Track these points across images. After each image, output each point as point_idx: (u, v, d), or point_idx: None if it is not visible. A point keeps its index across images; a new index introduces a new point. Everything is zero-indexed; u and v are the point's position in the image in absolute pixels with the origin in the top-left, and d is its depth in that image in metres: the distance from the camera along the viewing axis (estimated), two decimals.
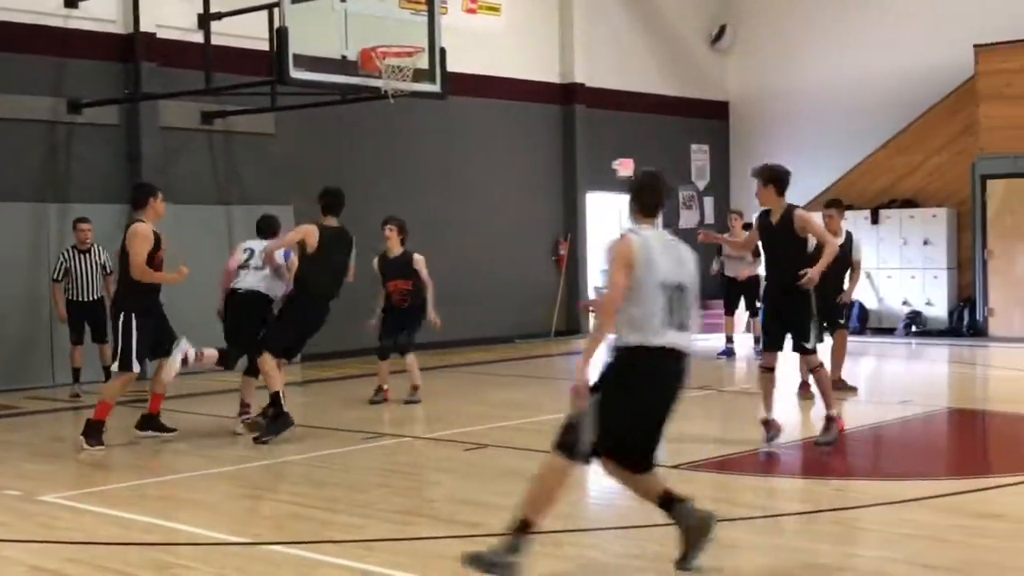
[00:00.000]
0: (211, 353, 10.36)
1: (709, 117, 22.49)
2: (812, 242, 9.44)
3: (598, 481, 8.40)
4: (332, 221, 10.41)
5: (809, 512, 7.11)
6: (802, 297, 9.10)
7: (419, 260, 12.00)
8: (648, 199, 5.86)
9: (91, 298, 12.85)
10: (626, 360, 5.62)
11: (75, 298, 12.82)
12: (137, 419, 10.21)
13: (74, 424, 11.65)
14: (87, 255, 12.83)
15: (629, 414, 5.57)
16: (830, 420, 9.07)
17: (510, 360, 16.41)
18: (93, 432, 9.62)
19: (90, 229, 12.88)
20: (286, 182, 16.15)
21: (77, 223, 12.92)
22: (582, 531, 6.79)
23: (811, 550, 6.26)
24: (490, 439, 9.67)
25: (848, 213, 19.77)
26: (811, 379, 11.03)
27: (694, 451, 8.94)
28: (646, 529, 6.60)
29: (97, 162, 14.53)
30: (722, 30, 22.35)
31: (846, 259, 12.10)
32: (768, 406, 9.29)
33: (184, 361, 10.02)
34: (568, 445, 5.51)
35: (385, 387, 12.06)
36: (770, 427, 9.23)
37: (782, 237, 9.14)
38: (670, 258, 5.69)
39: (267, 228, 10.92)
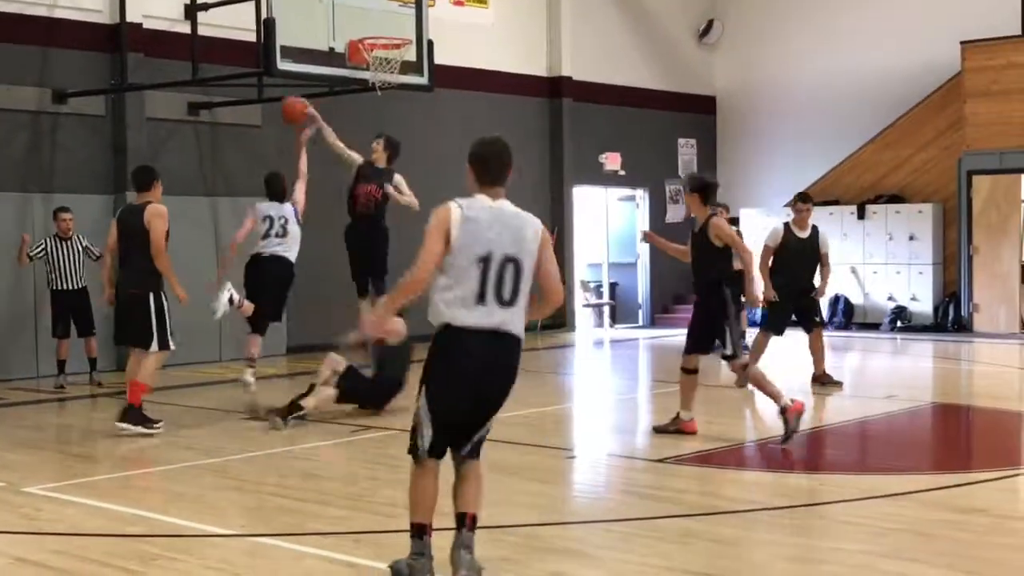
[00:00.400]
0: (248, 306, 11.19)
1: (696, 111, 22.50)
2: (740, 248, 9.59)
3: (582, 475, 8.43)
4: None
5: (794, 506, 7.13)
6: (720, 303, 9.33)
7: (400, 179, 11.77)
8: (481, 167, 5.41)
9: (74, 287, 12.86)
10: (435, 340, 5.38)
11: (59, 287, 12.83)
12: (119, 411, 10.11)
13: (58, 415, 11.61)
14: (68, 243, 12.86)
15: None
16: (784, 411, 9.11)
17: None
18: (137, 416, 9.66)
19: (71, 219, 12.90)
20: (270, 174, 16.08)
21: (58, 213, 12.94)
22: (567, 524, 6.79)
23: (796, 544, 6.28)
24: None
25: (834, 208, 19.97)
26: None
27: (678, 445, 8.95)
28: (634, 522, 6.61)
29: (83, 153, 14.47)
30: (710, 24, 22.37)
31: (815, 254, 12.34)
32: (687, 406, 9.48)
33: (230, 300, 10.70)
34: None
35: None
36: (686, 427, 9.44)
37: (702, 244, 9.42)
38: (501, 230, 5.29)
39: (278, 185, 11.71)
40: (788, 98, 21.65)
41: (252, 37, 13.42)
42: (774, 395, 9.15)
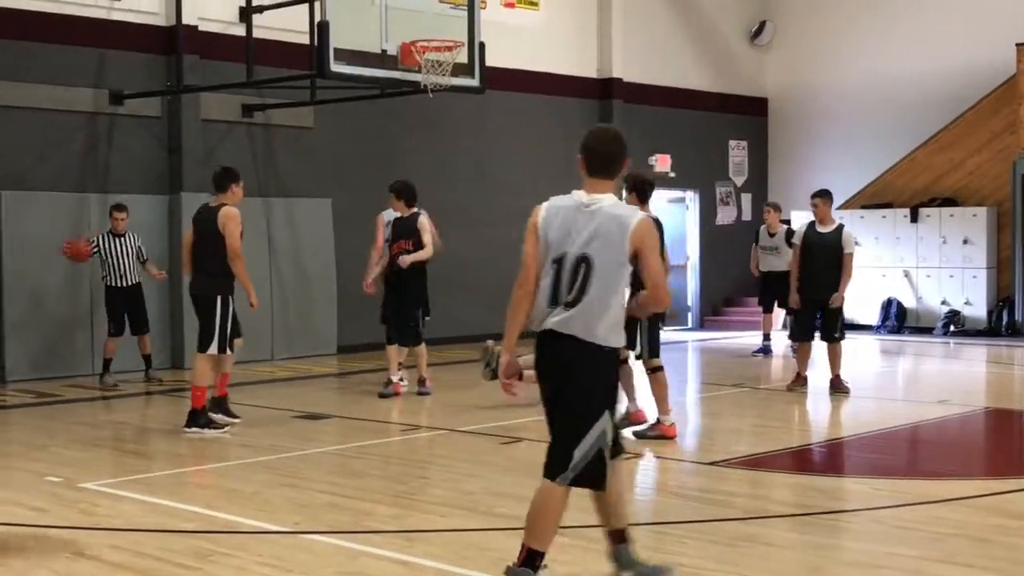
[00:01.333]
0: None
1: (748, 113, 22.39)
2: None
3: (635, 478, 8.42)
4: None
5: (848, 511, 7.09)
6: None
7: (424, 220, 11.84)
8: (587, 158, 5.24)
9: (129, 283, 13.05)
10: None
11: (113, 283, 13.00)
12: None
13: (114, 412, 11.76)
14: (122, 240, 13.05)
15: None
16: (657, 423, 9.28)
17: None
18: (201, 418, 9.71)
19: (124, 218, 13.08)
20: (325, 175, 16.25)
21: (113, 211, 13.13)
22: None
23: (850, 548, 6.25)
24: (525, 433, 9.69)
25: (887, 211, 19.82)
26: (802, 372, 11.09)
27: (728, 448, 8.92)
28: (686, 525, 6.60)
29: (138, 153, 14.65)
30: (762, 25, 22.25)
31: (835, 253, 11.83)
32: (662, 409, 9.43)
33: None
34: None
35: (395, 379, 11.90)
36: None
37: None
38: (580, 227, 5.07)
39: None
40: (840, 100, 21.48)
41: (306, 40, 13.56)
42: (628, 394, 9.43)
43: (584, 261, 5.00)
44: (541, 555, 5.12)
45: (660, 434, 9.29)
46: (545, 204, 5.20)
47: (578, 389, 5.04)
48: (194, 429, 9.69)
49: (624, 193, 9.56)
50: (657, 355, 9.45)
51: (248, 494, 7.51)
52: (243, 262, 9.74)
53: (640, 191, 9.46)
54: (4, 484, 8.04)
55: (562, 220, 5.10)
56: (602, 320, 5.00)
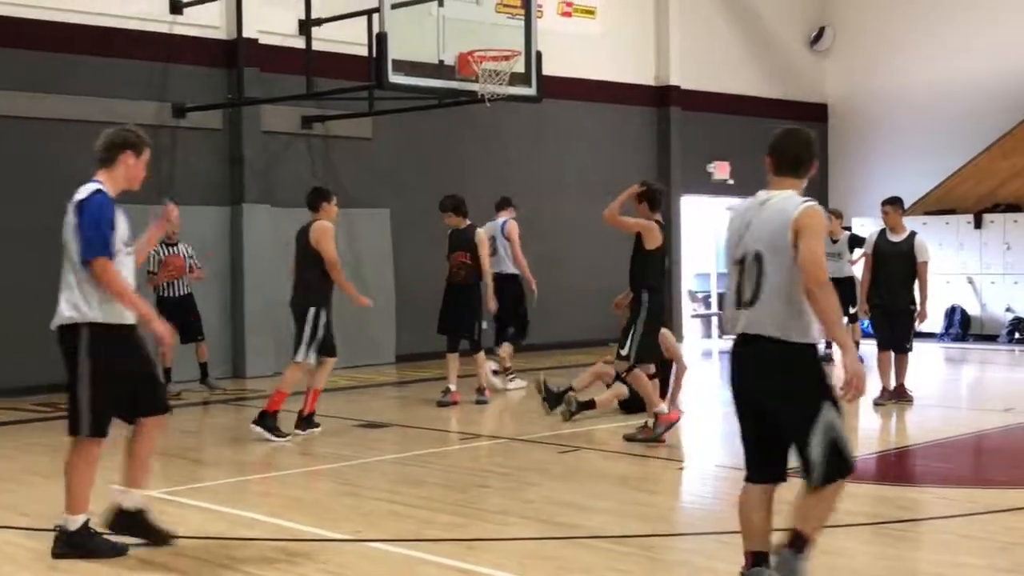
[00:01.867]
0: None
1: (807, 119, 22.15)
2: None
3: (692, 486, 8.38)
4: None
5: (915, 520, 7.00)
6: (634, 310, 9.36)
7: (480, 234, 12.16)
8: (769, 157, 5.28)
9: (181, 292, 12.98)
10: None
11: (165, 293, 12.87)
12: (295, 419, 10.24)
13: (176, 421, 11.88)
14: (175, 249, 12.97)
15: None
16: (657, 417, 9.26)
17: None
18: (269, 421, 9.87)
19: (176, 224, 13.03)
20: (383, 186, 16.35)
21: None
22: (679, 535, 6.76)
23: (916, 558, 6.17)
24: (584, 442, 9.68)
25: (951, 217, 19.55)
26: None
27: (792, 458, 8.83)
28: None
29: (200, 165, 14.84)
30: (821, 31, 22.09)
31: (908, 261, 11.67)
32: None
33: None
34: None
35: (453, 388, 11.95)
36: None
37: (634, 248, 9.63)
38: (752, 226, 5.02)
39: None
40: (902, 105, 21.25)
41: (364, 51, 13.67)
42: (654, 402, 9.35)
43: (757, 258, 4.94)
44: (807, 542, 5.05)
45: (668, 424, 9.35)
46: (732, 208, 5.29)
47: (785, 390, 4.92)
48: (260, 429, 9.83)
49: (634, 202, 9.69)
50: (647, 360, 9.39)
51: (310, 502, 7.56)
52: (341, 272, 10.02)
53: (650, 199, 9.56)
54: None
55: (740, 220, 5.11)
56: (786, 313, 4.87)
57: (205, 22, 14.83)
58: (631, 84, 19.61)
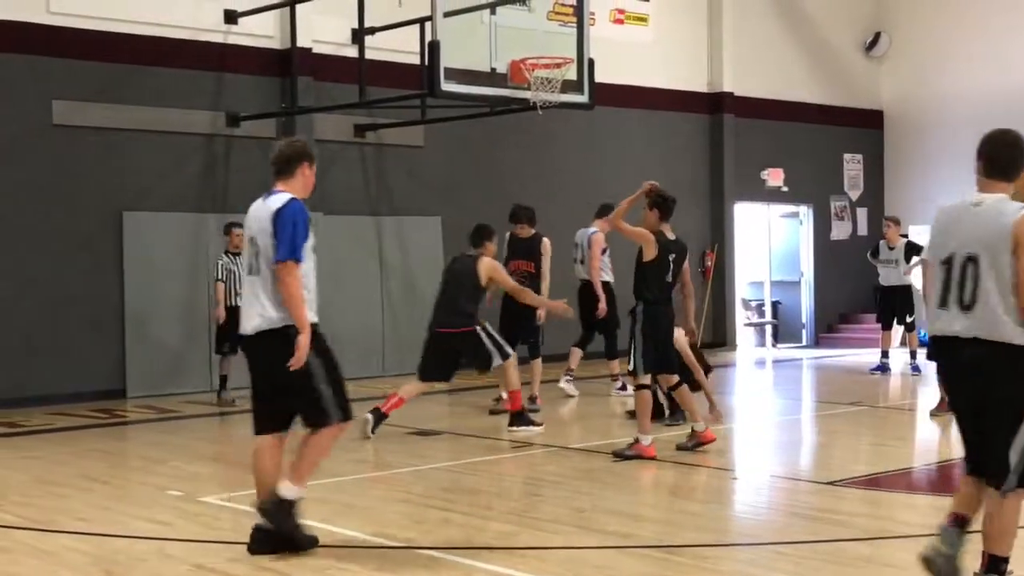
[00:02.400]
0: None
1: (862, 126, 21.99)
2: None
3: (746, 496, 8.30)
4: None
5: (971, 531, 6.86)
6: (632, 321, 9.31)
7: (546, 243, 12.49)
8: (979, 158, 5.44)
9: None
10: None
11: (231, 303, 12.77)
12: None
13: (231, 427, 11.98)
14: (239, 259, 13.04)
15: None
16: (635, 442, 9.07)
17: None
18: (521, 419, 10.65)
19: (243, 234, 13.05)
20: (434, 194, 16.38)
21: (231, 228, 13.01)
22: (733, 546, 6.69)
23: (975, 569, 6.04)
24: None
25: None
26: None
27: (846, 468, 8.74)
28: (804, 545, 6.48)
29: (254, 174, 14.89)
30: (877, 37, 21.85)
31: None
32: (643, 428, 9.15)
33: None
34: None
35: (505, 396, 11.89)
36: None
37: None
38: (964, 228, 5.10)
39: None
40: (958, 111, 20.94)
41: (416, 60, 13.71)
42: (645, 426, 9.12)
43: (972, 260, 5.01)
44: (1005, 560, 5.18)
45: (638, 453, 9.07)
46: (939, 207, 5.35)
47: (997, 394, 4.98)
48: (518, 427, 10.55)
49: (644, 210, 9.60)
50: (648, 371, 9.23)
51: (363, 509, 7.58)
52: (528, 292, 11.25)
53: (662, 208, 9.54)
54: (127, 498, 8.25)
55: (948, 220, 5.20)
56: (1004, 316, 4.93)
57: (259, 31, 14.94)
58: (684, 91, 19.52)
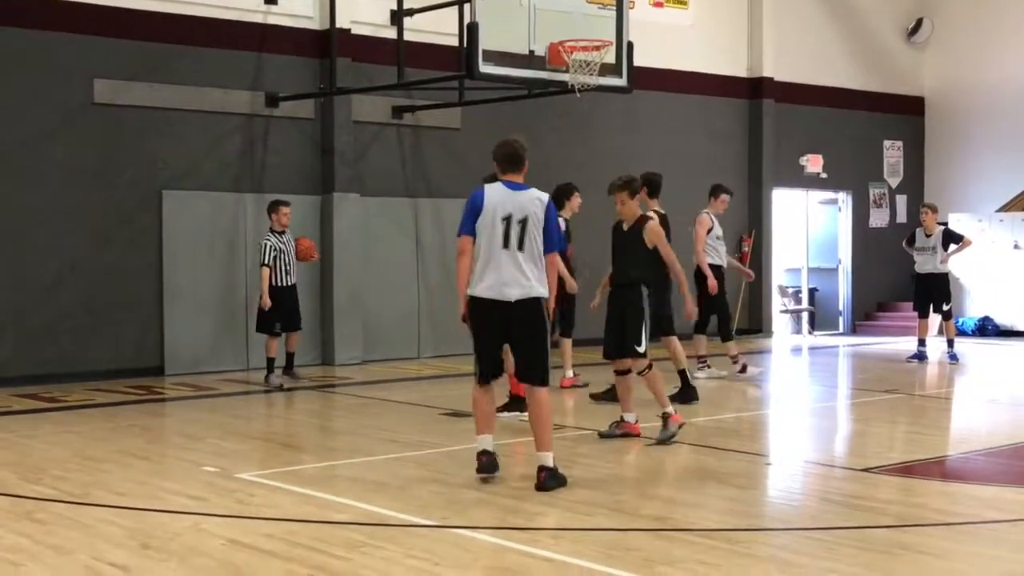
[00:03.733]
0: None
1: (903, 113, 21.80)
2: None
3: (780, 481, 8.28)
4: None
5: (1006, 520, 6.83)
6: (638, 304, 9.36)
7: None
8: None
9: (289, 283, 12.94)
10: None
11: (277, 283, 12.79)
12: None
13: (266, 406, 12.06)
14: (284, 238, 12.96)
15: None
16: (665, 417, 9.15)
17: (691, 356, 16.24)
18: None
19: (289, 212, 13.07)
20: (471, 176, 16.31)
21: (279, 206, 12.94)
22: (767, 531, 6.68)
23: (1008, 559, 6.01)
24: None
25: None
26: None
27: (882, 455, 8.70)
28: (838, 531, 6.46)
29: (292, 154, 15.02)
30: (919, 23, 21.64)
31: None
32: (626, 407, 9.38)
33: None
34: None
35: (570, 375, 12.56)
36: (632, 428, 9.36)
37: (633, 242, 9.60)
38: None
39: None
40: (1002, 99, 20.73)
41: (454, 42, 13.70)
42: (664, 402, 9.25)
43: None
44: None
45: (626, 432, 9.30)
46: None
47: None
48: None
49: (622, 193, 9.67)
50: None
51: (396, 488, 7.61)
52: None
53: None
54: (165, 473, 8.33)
55: None
56: None
57: (299, 12, 15.00)
58: (723, 76, 19.41)
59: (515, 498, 7.25)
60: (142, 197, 13.96)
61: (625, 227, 9.58)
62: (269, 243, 12.84)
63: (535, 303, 7.62)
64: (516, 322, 7.62)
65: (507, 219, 7.61)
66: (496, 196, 7.76)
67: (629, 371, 9.40)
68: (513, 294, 7.58)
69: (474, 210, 7.76)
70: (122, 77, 13.77)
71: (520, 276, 7.58)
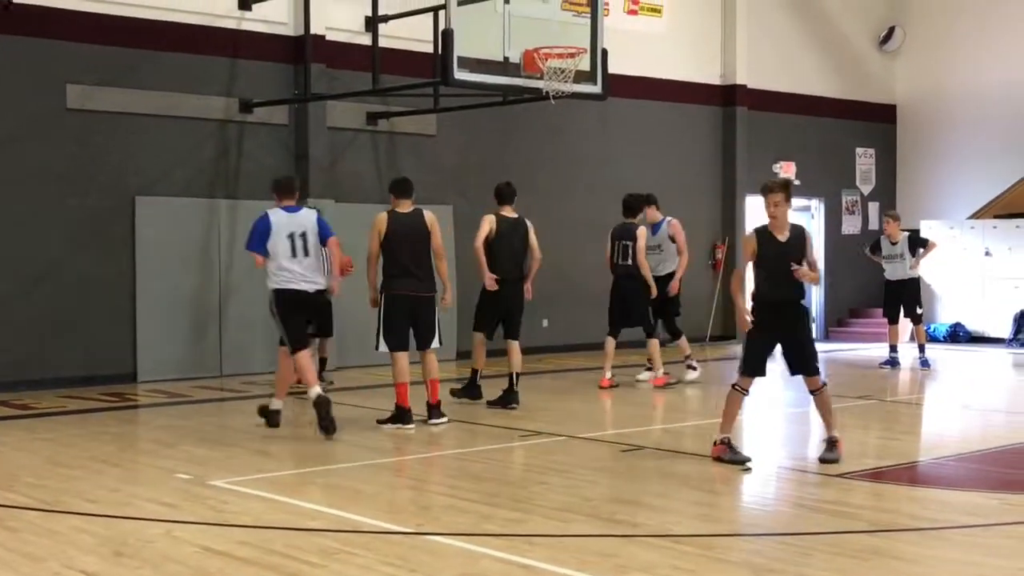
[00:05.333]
0: None
1: (875, 120, 21.95)
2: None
3: (754, 487, 8.31)
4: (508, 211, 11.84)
5: (978, 525, 6.88)
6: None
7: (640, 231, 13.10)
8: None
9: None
10: None
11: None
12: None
13: (241, 414, 12.01)
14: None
15: None
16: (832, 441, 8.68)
17: (664, 363, 16.27)
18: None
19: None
20: (446, 182, 16.39)
21: None
22: (740, 536, 6.71)
23: (980, 563, 6.06)
24: (645, 441, 9.65)
25: (1021, 221, 19.21)
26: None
27: (854, 461, 8.74)
28: (811, 537, 6.50)
29: (266, 160, 14.98)
30: (891, 31, 21.79)
31: None
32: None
33: None
34: None
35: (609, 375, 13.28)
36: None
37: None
38: None
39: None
40: (973, 107, 20.90)
41: (429, 48, 13.72)
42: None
43: None
44: None
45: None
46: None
47: None
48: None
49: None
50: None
51: (371, 495, 7.60)
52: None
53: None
54: (136, 480, 8.29)
55: None
56: None
57: (273, 18, 14.96)
58: (697, 83, 19.50)
59: (490, 504, 7.25)
60: (115, 203, 13.89)
61: None
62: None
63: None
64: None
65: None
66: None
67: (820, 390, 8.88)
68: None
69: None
70: (95, 83, 13.70)
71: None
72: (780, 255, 8.45)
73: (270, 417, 10.31)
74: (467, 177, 16.54)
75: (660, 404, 12.39)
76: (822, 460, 8.57)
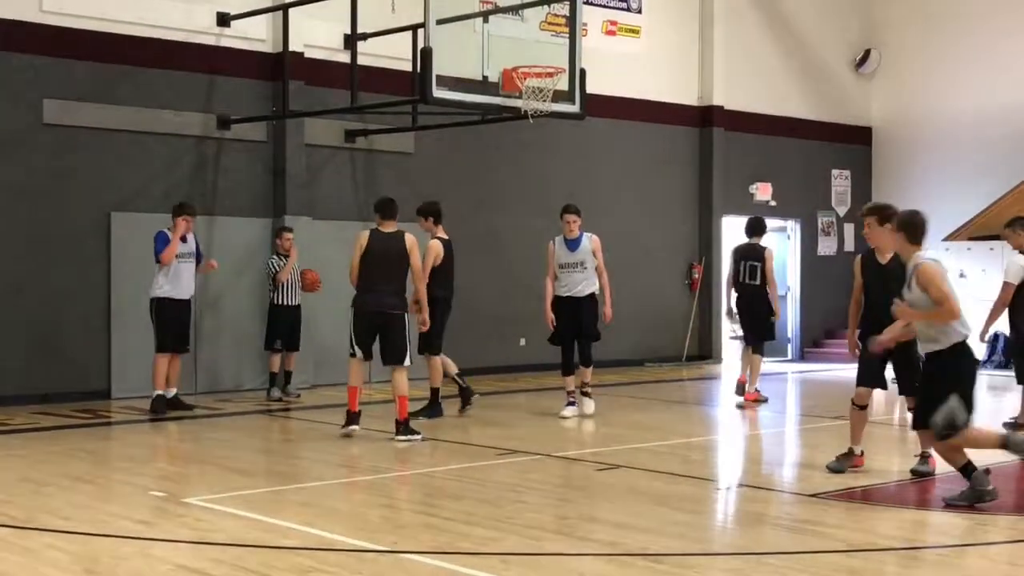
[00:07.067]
0: None
1: (851, 142, 22.09)
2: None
3: (730, 507, 8.32)
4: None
5: (955, 546, 6.91)
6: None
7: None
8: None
9: (294, 303, 14.06)
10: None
11: (279, 302, 13.97)
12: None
13: (217, 430, 11.95)
14: (287, 261, 14.02)
15: None
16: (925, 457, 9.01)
17: (641, 383, 16.31)
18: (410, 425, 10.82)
19: (291, 238, 14.06)
20: (424, 200, 16.32)
21: (282, 232, 14.12)
22: (716, 555, 6.71)
23: None
24: (622, 460, 9.64)
25: (995, 243, 19.30)
26: None
27: (830, 481, 8.76)
28: (788, 556, 6.50)
29: (244, 177, 14.95)
30: (867, 54, 21.96)
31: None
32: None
33: None
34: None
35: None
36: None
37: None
38: None
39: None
40: (948, 129, 21.08)
41: (408, 67, 13.74)
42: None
43: None
44: None
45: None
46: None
47: None
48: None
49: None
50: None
51: (346, 513, 7.57)
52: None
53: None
54: (110, 497, 8.23)
55: None
56: None
57: (251, 35, 14.95)
58: (674, 103, 19.58)
59: (466, 523, 7.23)
60: (91, 219, 13.82)
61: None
62: (270, 267, 14.13)
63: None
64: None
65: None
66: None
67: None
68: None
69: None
70: (72, 97, 13.65)
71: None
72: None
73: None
74: (445, 196, 16.43)
75: (635, 424, 12.39)
76: (913, 472, 9.02)
